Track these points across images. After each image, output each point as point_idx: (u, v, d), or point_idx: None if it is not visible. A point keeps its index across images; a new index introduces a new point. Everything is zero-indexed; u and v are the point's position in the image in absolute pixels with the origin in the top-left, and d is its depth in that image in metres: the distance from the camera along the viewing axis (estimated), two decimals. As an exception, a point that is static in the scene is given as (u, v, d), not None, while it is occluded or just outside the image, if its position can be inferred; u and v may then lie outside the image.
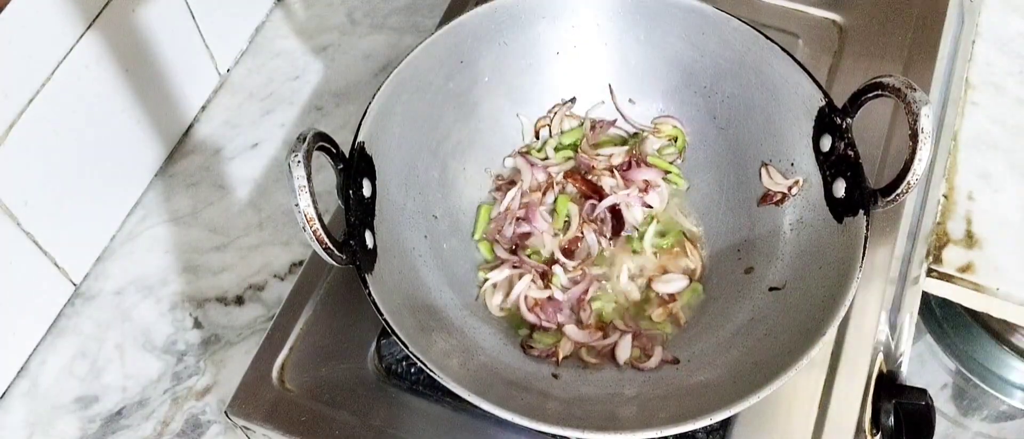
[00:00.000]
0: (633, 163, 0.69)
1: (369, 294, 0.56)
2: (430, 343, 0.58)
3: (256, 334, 0.73)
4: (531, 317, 0.64)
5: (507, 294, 0.65)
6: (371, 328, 0.65)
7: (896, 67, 0.77)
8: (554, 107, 0.72)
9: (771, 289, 0.63)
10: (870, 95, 0.58)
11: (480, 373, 0.59)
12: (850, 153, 0.60)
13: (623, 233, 0.68)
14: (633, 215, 0.68)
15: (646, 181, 0.69)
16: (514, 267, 0.66)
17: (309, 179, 0.51)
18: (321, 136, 0.55)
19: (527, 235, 0.68)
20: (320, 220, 0.52)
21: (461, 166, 0.70)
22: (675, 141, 0.71)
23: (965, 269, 0.75)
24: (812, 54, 0.77)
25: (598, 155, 0.70)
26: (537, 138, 0.72)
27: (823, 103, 0.62)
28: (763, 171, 0.66)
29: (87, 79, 0.71)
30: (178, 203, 0.81)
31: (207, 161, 0.83)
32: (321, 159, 0.56)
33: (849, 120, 0.60)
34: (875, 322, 0.65)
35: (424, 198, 0.67)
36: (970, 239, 0.77)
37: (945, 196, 0.79)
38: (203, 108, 0.86)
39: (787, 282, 0.62)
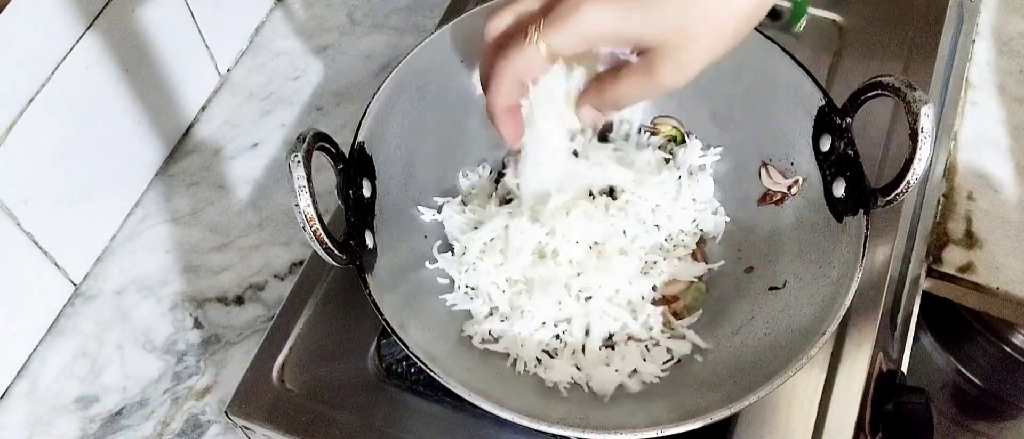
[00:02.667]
0: None
1: (369, 294, 0.56)
2: (430, 343, 0.58)
3: (256, 334, 0.73)
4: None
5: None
6: (371, 328, 0.65)
7: (896, 67, 0.77)
8: None
9: (771, 289, 0.63)
10: (870, 95, 0.58)
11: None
12: (850, 153, 0.60)
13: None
14: None
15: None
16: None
17: (309, 179, 0.51)
18: (321, 136, 0.55)
19: None
20: (320, 220, 0.52)
21: (461, 166, 0.70)
22: (675, 141, 0.71)
23: (965, 269, 0.75)
24: (812, 54, 0.77)
25: None
26: None
27: (823, 103, 0.62)
28: (763, 171, 0.66)
29: (87, 79, 0.71)
30: (178, 203, 0.81)
31: (207, 161, 0.83)
32: (321, 159, 0.56)
33: (849, 120, 0.60)
34: (875, 322, 0.65)
35: (424, 198, 0.67)
36: (970, 239, 0.77)
37: (945, 196, 0.79)
38: (203, 108, 0.86)
39: (787, 282, 0.62)
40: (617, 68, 0.53)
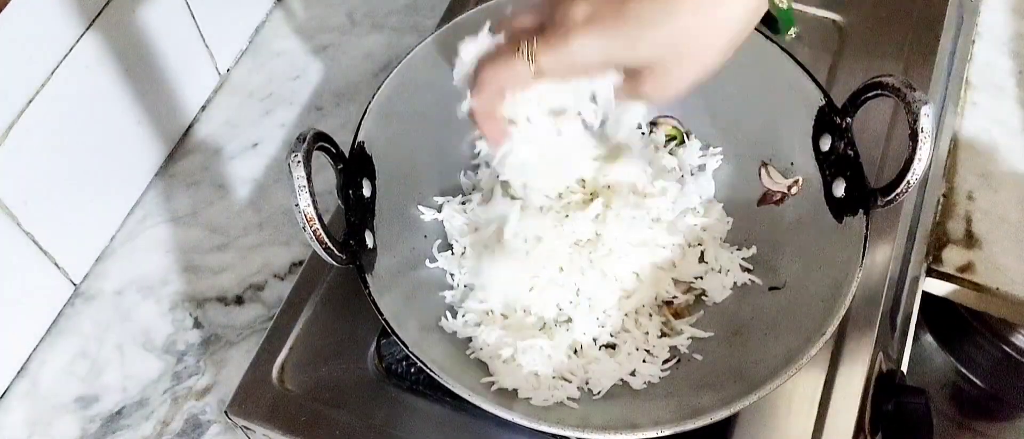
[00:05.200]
0: None
1: (369, 294, 0.56)
2: (430, 343, 0.58)
3: (256, 334, 0.73)
4: None
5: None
6: (371, 328, 0.65)
7: (896, 67, 0.77)
8: None
9: (771, 289, 0.63)
10: (870, 95, 0.58)
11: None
12: (850, 153, 0.60)
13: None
14: None
15: None
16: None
17: (309, 179, 0.51)
18: (321, 136, 0.55)
19: None
20: (320, 220, 0.52)
21: (461, 166, 0.70)
22: (675, 140, 0.71)
23: (965, 269, 0.75)
24: (812, 54, 0.77)
25: None
26: None
27: (823, 103, 0.62)
28: (763, 171, 0.66)
29: (87, 79, 0.71)
30: (178, 203, 0.81)
31: (207, 161, 0.83)
32: (321, 159, 0.56)
33: (849, 120, 0.60)
34: (875, 322, 0.65)
35: (424, 198, 0.67)
36: (970, 239, 0.77)
37: (945, 196, 0.79)
38: (203, 108, 0.86)
39: (787, 282, 0.62)
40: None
